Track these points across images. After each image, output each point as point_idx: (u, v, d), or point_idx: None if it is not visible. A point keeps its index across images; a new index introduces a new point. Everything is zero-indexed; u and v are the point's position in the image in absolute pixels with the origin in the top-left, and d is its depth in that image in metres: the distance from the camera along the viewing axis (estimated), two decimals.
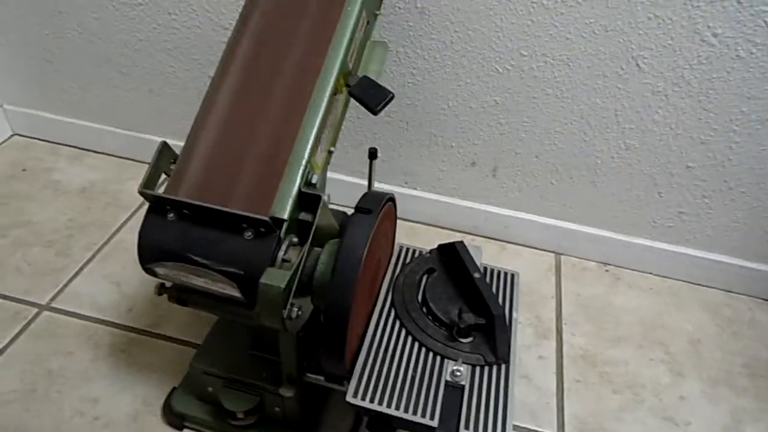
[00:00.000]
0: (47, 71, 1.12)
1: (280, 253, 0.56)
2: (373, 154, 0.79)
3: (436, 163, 1.02)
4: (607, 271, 1.04)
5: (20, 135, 1.23)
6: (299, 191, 0.58)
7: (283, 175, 0.58)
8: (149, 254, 0.56)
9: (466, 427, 0.49)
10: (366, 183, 0.77)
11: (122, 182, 1.14)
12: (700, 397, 0.84)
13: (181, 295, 0.65)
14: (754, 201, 0.92)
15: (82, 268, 0.95)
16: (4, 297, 0.89)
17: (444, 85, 0.92)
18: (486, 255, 1.03)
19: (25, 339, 0.84)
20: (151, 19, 0.99)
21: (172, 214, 0.57)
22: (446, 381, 0.52)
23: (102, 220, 1.05)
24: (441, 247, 0.65)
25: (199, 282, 0.58)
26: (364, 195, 0.58)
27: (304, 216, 0.60)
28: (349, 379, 0.53)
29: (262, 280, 0.52)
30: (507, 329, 0.56)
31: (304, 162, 0.59)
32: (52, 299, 0.90)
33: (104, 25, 1.02)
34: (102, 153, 1.20)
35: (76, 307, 0.89)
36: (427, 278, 0.62)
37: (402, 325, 0.57)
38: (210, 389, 0.71)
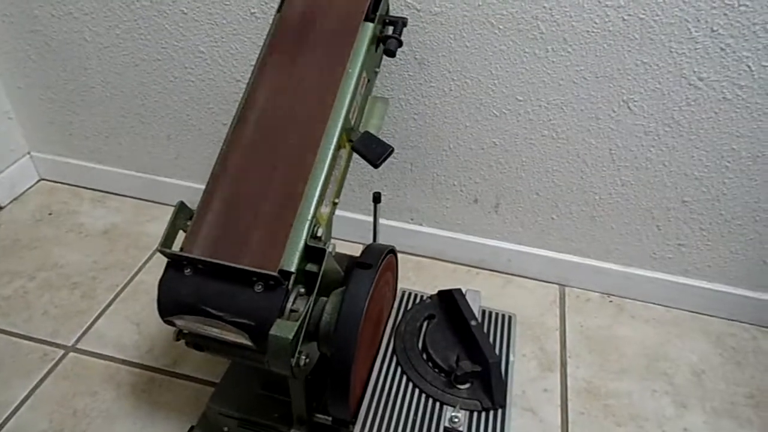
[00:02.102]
0: (72, 121, 1.19)
1: (288, 304, 0.60)
2: (377, 198, 0.84)
3: (440, 201, 1.06)
4: (610, 302, 1.06)
5: (46, 180, 1.30)
6: (306, 245, 0.62)
7: (291, 231, 0.63)
8: (168, 308, 0.61)
9: None
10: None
11: (142, 224, 1.19)
12: (703, 429, 0.86)
13: (197, 341, 0.69)
14: (751, 233, 0.94)
15: (105, 310, 1.00)
16: (33, 339, 0.94)
17: (445, 129, 0.96)
18: (490, 288, 1.07)
19: (53, 380, 0.88)
20: (169, 72, 1.05)
21: (188, 270, 0.61)
22: (445, 427, 0.56)
23: (123, 261, 1.10)
24: (441, 293, 0.68)
25: (214, 332, 0.62)
26: (366, 248, 0.62)
27: (310, 267, 0.64)
28: (354, 423, 0.56)
29: (272, 332, 0.56)
30: (502, 375, 0.59)
31: (310, 217, 0.64)
32: (77, 341, 0.95)
33: (125, 79, 1.08)
34: (123, 195, 1.27)
35: (100, 347, 0.94)
36: (428, 324, 0.66)
37: (403, 372, 0.61)
38: (225, 429, 0.74)
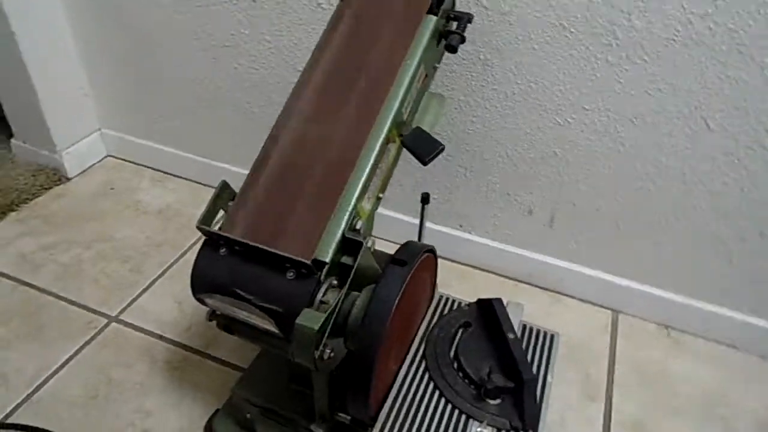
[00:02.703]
0: (142, 101, 1.24)
1: (319, 295, 0.58)
2: (425, 199, 0.81)
3: (492, 209, 1.02)
4: (668, 334, 0.98)
5: (113, 156, 1.36)
6: (343, 236, 0.61)
7: (330, 220, 0.61)
8: (200, 285, 0.61)
9: None
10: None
11: (196, 206, 1.22)
12: None
13: (228, 323, 0.68)
14: None
15: (151, 285, 1.02)
16: (81, 306, 0.98)
17: (504, 134, 0.93)
18: (537, 305, 1.01)
19: (94, 347, 0.91)
20: (234, 59, 1.07)
21: (224, 250, 0.61)
22: None
23: (174, 240, 1.13)
24: (480, 301, 0.65)
25: (242, 315, 0.61)
26: (404, 245, 0.60)
27: (346, 260, 0.62)
28: (373, 426, 0.54)
29: (298, 320, 0.55)
30: (536, 395, 0.55)
31: (350, 208, 0.62)
32: (121, 312, 0.97)
33: (193, 64, 1.11)
34: (181, 177, 1.30)
35: (141, 321, 0.96)
36: (463, 332, 0.62)
37: (431, 378, 0.58)
38: (248, 416, 0.73)
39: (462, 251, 1.08)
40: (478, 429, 0.52)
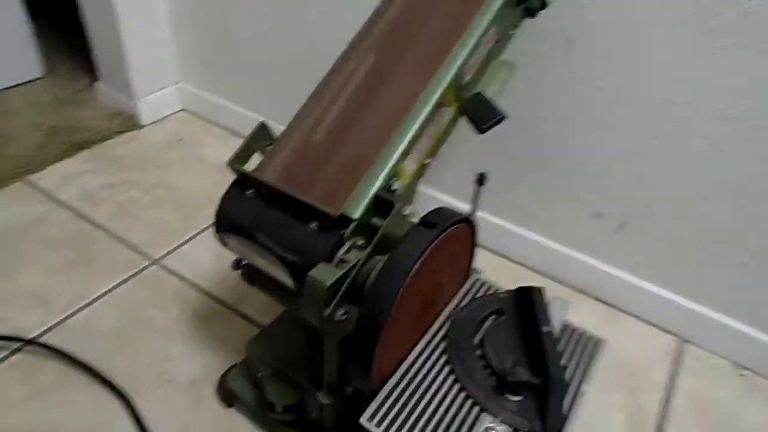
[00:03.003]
0: (221, 60, 1.25)
1: (340, 252, 0.53)
2: (480, 180, 0.74)
3: (555, 207, 0.93)
4: (742, 375, 0.86)
5: (186, 110, 1.38)
6: (376, 195, 0.56)
7: (364, 176, 0.57)
8: (222, 224, 0.58)
9: None
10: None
11: None
12: None
13: (251, 274, 0.66)
14: None
15: (196, 235, 1.03)
16: (127, 244, 0.99)
17: (580, 124, 0.84)
18: (591, 319, 0.92)
19: (131, 285, 0.92)
20: (315, 26, 1.05)
21: (251, 191, 0.58)
22: None
23: None
24: (519, 290, 0.58)
25: (260, 262, 0.58)
26: (436, 209, 0.54)
27: (377, 221, 0.57)
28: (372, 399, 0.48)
29: (311, 273, 0.50)
30: (564, 399, 0.47)
31: (388, 166, 0.57)
32: (164, 256, 0.98)
33: (276, 32, 1.10)
34: None
35: (180, 268, 0.96)
36: (494, 320, 0.56)
37: (448, 361, 0.51)
38: (260, 375, 0.70)
39: (516, 248, 1.00)
40: (491, 424, 0.46)
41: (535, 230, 0.98)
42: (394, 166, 0.57)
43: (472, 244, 0.61)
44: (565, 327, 0.57)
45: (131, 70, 1.25)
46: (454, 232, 0.54)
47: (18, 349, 0.80)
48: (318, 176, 0.58)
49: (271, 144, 0.63)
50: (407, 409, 0.47)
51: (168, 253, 0.98)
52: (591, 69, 0.79)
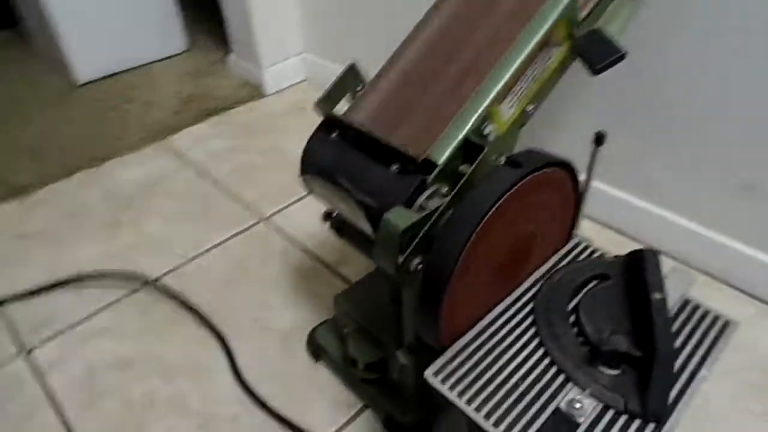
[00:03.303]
0: (344, 30, 1.26)
1: (421, 198, 0.50)
2: (599, 139, 0.66)
3: (692, 178, 0.80)
4: None
5: (309, 81, 1.42)
6: (465, 139, 0.51)
7: (453, 119, 0.52)
8: (305, 166, 0.57)
9: None
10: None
11: None
12: None
13: (339, 224, 0.64)
14: None
15: (304, 197, 1.04)
16: (239, 202, 1.04)
17: (730, 75, 0.71)
18: (733, 313, 0.77)
19: (240, 239, 0.96)
20: None
21: (336, 133, 0.56)
22: (558, 408, 0.39)
23: None
24: (631, 254, 0.49)
25: (342, 208, 0.56)
26: (526, 150, 0.48)
27: (465, 168, 0.52)
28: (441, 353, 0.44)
29: (386, 215, 0.47)
30: (670, 376, 0.39)
31: (481, 108, 0.52)
32: (272, 215, 1.01)
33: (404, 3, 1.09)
34: None
35: (287, 226, 0.98)
36: (595, 285, 0.48)
37: (534, 323, 0.45)
38: (345, 330, 0.69)
39: (642, 226, 0.88)
40: (577, 397, 0.39)
41: (664, 206, 0.85)
42: (488, 107, 0.52)
43: (575, 197, 0.53)
44: (686, 303, 0.48)
45: (258, 41, 1.31)
46: (548, 178, 0.47)
47: (140, 288, 0.87)
48: (405, 120, 0.55)
49: (361, 88, 0.60)
50: (479, 369, 0.42)
51: (276, 212, 1.01)
52: (750, 16, 0.66)
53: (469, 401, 0.39)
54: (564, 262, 0.51)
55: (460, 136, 0.51)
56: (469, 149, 0.51)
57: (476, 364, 0.42)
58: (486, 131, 0.52)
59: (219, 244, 0.95)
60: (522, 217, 0.47)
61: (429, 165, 0.51)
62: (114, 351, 0.78)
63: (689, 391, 0.40)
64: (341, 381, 0.72)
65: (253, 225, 0.99)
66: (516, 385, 0.41)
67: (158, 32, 1.47)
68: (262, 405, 0.70)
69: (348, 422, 0.68)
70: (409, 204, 0.49)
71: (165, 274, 0.90)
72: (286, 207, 1.03)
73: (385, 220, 0.47)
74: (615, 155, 0.86)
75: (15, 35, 1.68)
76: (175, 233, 0.97)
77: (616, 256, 0.51)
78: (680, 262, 0.85)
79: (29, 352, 0.78)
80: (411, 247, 0.47)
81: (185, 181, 1.10)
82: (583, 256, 0.52)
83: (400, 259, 0.48)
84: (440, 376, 0.41)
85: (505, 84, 0.52)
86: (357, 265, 0.89)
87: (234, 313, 0.82)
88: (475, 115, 0.51)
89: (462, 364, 0.42)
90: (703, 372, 0.42)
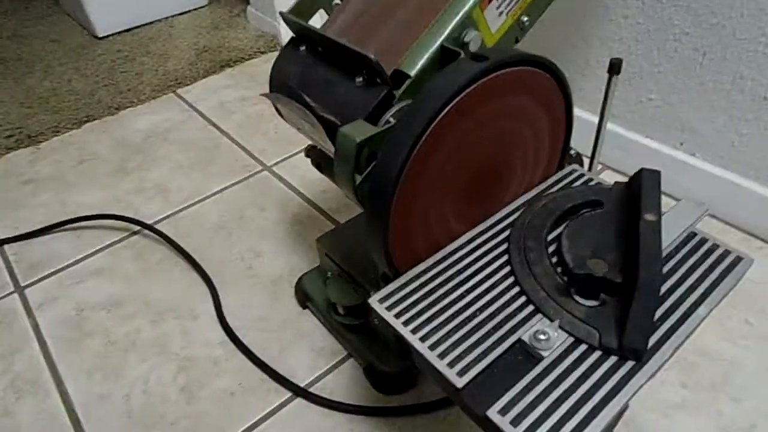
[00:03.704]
0: None
1: (388, 113, 0.44)
2: (615, 66, 0.58)
3: (734, 121, 0.71)
4: None
5: None
6: (441, 47, 0.45)
7: (429, 26, 0.46)
8: (272, 84, 0.52)
9: (503, 411, 0.30)
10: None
11: None
12: None
13: (319, 158, 0.59)
14: None
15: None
16: (246, 151, 1.01)
17: None
18: None
19: (241, 187, 0.93)
20: None
21: (303, 47, 0.51)
22: (519, 339, 0.33)
23: None
24: (631, 179, 0.42)
25: (306, 128, 0.51)
26: (498, 48, 0.41)
27: None
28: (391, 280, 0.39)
29: (342, 128, 0.42)
30: (652, 306, 0.32)
31: (460, 13, 0.45)
32: (275, 164, 0.97)
33: None
34: None
35: (288, 175, 0.94)
36: (585, 212, 0.41)
37: (506, 251, 0.39)
38: (329, 275, 0.65)
39: (679, 182, 0.79)
40: (543, 328, 0.33)
41: (703, 157, 0.76)
42: (469, 13, 0.45)
43: (565, 110, 0.46)
44: (691, 235, 0.40)
45: None
46: (524, 80, 0.40)
47: (136, 232, 0.86)
48: (377, 32, 0.49)
49: (339, 2, 0.54)
50: (434, 296, 0.36)
51: (279, 162, 0.97)
52: None
53: (415, 330, 0.34)
54: (553, 190, 0.45)
55: (436, 44, 0.45)
56: (447, 58, 0.45)
57: (431, 291, 0.37)
58: (467, 38, 0.46)
59: (219, 191, 0.92)
60: (491, 127, 0.40)
61: (401, 77, 0.45)
62: (104, 291, 0.77)
63: (682, 329, 0.34)
64: (326, 329, 0.68)
65: (256, 173, 0.96)
66: (473, 315, 0.35)
67: None
68: (243, 348, 0.67)
69: (330, 370, 0.64)
70: (373, 119, 0.44)
71: (162, 219, 0.88)
72: (290, 156, 0.99)
73: (341, 133, 0.41)
74: (651, 100, 0.77)
75: None
76: (177, 181, 0.95)
77: (615, 183, 0.44)
78: (727, 224, 0.76)
79: (23, 289, 0.78)
80: (372, 167, 0.42)
81: (194, 131, 1.07)
82: (577, 185, 0.45)
83: (358, 179, 0.42)
84: (386, 303, 0.36)
85: None
86: (355, 212, 0.84)
87: (226, 258, 0.79)
88: (454, 20, 0.45)
89: (415, 290, 0.37)
90: (701, 310, 0.35)
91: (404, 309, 0.36)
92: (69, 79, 1.25)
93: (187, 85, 1.21)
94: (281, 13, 0.51)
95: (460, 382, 0.31)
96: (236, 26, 1.40)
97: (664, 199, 0.73)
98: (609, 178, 0.85)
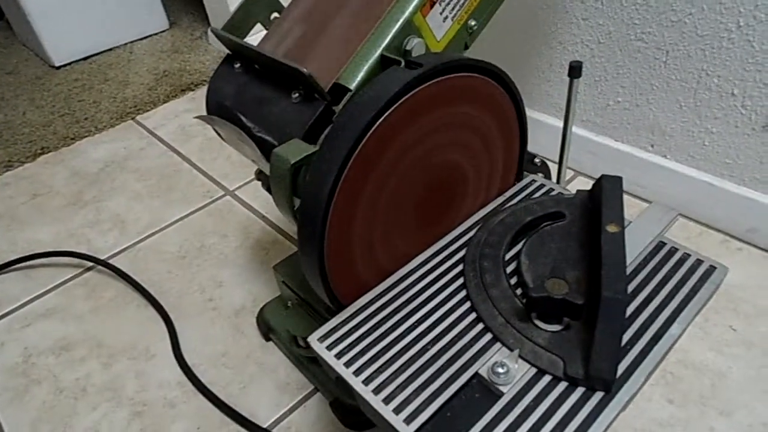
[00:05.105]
0: None
1: (327, 130, 0.41)
2: (575, 69, 0.55)
3: (702, 120, 0.69)
4: None
5: None
6: (382, 56, 0.42)
7: (369, 36, 0.43)
8: (209, 105, 0.49)
9: None
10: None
11: None
12: None
13: (269, 182, 0.56)
14: None
15: None
16: (208, 176, 0.97)
17: None
18: (755, 275, 0.65)
19: (202, 214, 0.89)
20: None
21: (238, 64, 0.47)
22: (476, 373, 0.30)
23: None
24: (594, 187, 0.39)
25: (245, 150, 0.47)
26: (432, 53, 0.38)
27: None
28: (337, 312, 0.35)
29: (276, 149, 0.38)
30: (618, 328, 0.29)
31: (401, 19, 0.42)
32: (238, 188, 0.93)
33: None
34: None
35: (252, 199, 0.90)
36: (547, 226, 0.38)
37: (461, 274, 0.36)
38: (289, 304, 0.61)
39: (650, 183, 0.77)
40: (502, 360, 0.30)
41: (674, 157, 0.74)
42: (410, 19, 0.42)
43: (517, 117, 0.43)
44: (660, 245, 0.37)
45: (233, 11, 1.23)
46: (466, 88, 0.37)
47: (90, 268, 0.81)
48: (318, 42, 0.46)
49: (278, 16, 0.51)
50: (380, 331, 0.33)
51: (242, 186, 0.94)
52: None
53: (358, 371, 0.30)
54: (511, 203, 0.42)
55: (376, 54, 0.42)
56: (388, 67, 0.42)
57: (378, 325, 0.33)
58: (409, 45, 0.42)
59: (179, 220, 0.88)
60: (433, 139, 0.37)
61: (341, 91, 0.42)
62: (54, 334, 0.72)
63: (654, 352, 0.30)
64: (291, 361, 0.64)
65: (217, 199, 0.91)
66: (425, 349, 0.31)
67: (138, 12, 1.41)
68: (202, 388, 0.62)
69: (295, 407, 0.60)
70: (310, 137, 0.40)
71: (118, 252, 0.83)
72: (253, 180, 0.95)
73: (274, 154, 0.38)
74: (618, 102, 0.75)
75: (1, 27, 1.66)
76: (136, 211, 0.91)
77: (578, 191, 0.41)
78: (701, 224, 0.74)
79: None
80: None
81: (153, 158, 1.03)
82: (536, 196, 0.42)
83: (297, 202, 0.39)
84: (327, 341, 0.32)
85: None
86: None
87: (185, 291, 0.75)
88: (394, 27, 0.42)
89: (359, 324, 0.33)
90: (674, 329, 0.31)
91: (347, 347, 0.32)
92: (23, 111, 1.20)
93: (147, 111, 1.17)
94: (212, 29, 0.48)
95: (407, 430, 0.27)
96: (197, 49, 1.37)
97: (638, 203, 0.70)
98: (581, 184, 0.82)
